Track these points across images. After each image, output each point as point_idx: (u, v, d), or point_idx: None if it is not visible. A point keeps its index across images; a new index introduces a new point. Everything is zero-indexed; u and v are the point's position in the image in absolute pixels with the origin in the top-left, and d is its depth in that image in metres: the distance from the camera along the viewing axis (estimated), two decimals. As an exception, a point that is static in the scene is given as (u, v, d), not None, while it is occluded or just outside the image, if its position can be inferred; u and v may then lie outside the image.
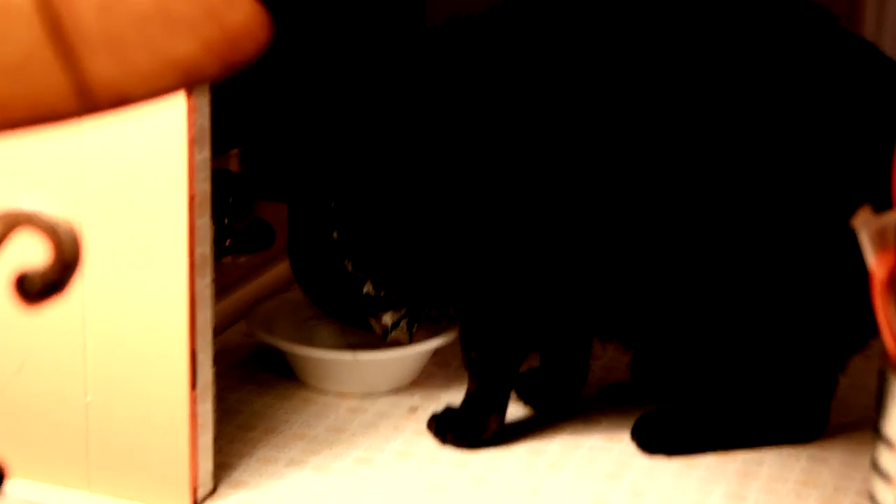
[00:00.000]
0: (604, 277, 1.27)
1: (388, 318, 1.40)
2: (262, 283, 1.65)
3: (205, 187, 1.20)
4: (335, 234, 1.34)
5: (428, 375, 1.47)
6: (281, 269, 1.69)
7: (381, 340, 1.42)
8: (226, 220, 1.70)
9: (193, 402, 1.21)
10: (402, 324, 1.40)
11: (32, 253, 0.82)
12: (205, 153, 1.19)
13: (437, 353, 1.48)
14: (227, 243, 1.70)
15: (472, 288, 1.30)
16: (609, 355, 1.47)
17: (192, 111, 1.16)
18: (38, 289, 0.83)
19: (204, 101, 1.18)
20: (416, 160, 1.29)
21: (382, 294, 1.36)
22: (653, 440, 1.33)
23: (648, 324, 1.29)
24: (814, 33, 1.24)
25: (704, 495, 1.27)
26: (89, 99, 0.74)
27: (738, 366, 1.29)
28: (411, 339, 1.41)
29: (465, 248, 1.29)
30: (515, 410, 1.38)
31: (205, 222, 1.21)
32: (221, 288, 1.52)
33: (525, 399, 1.39)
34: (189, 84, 0.79)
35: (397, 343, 1.41)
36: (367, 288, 1.36)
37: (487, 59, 1.27)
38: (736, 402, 1.32)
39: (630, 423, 1.35)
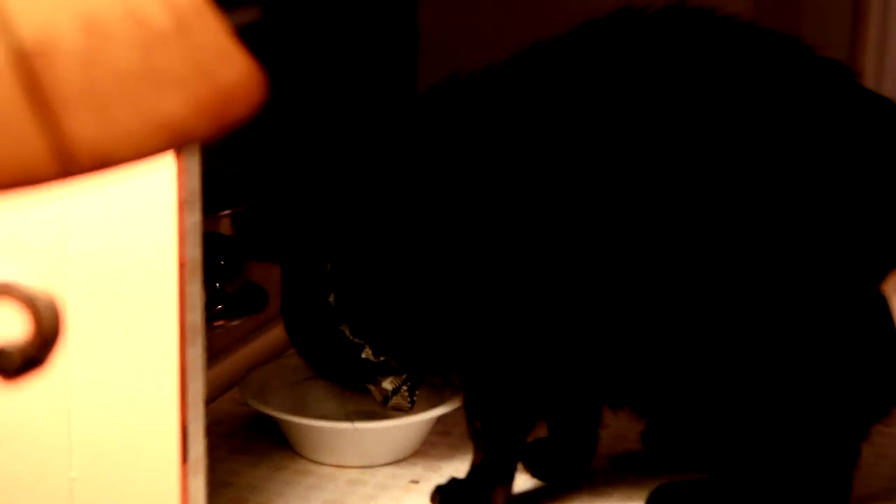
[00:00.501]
0: (614, 343, 1.22)
1: (388, 384, 1.35)
2: (254, 349, 1.60)
3: (195, 252, 1.14)
4: (331, 299, 1.29)
5: (430, 445, 1.42)
6: (274, 334, 1.64)
7: (381, 406, 1.36)
8: (217, 285, 1.66)
9: (185, 476, 1.15)
10: (403, 389, 1.34)
11: (10, 326, 0.77)
12: (195, 217, 1.14)
13: (439, 421, 1.42)
14: (219, 308, 1.66)
15: (476, 354, 1.25)
16: (619, 423, 1.42)
17: (181, 173, 1.11)
18: (16, 365, 0.78)
19: (194, 163, 1.13)
20: (415, 224, 1.25)
21: (382, 359, 1.32)
22: (668, 514, 1.27)
23: (662, 391, 1.24)
24: (810, 88, 1.20)
25: (723, 572, 1.21)
26: (70, 162, 0.69)
27: (756, 435, 1.24)
28: (412, 405, 1.36)
29: (467, 314, 1.24)
30: (523, 482, 1.32)
31: (195, 289, 1.15)
32: (213, 354, 1.46)
33: (532, 470, 1.34)
34: (178, 145, 0.74)
35: (398, 409, 1.36)
36: (366, 353, 1.31)
37: (484, 124, 1.24)
38: (754, 473, 1.27)
39: (643, 495, 1.29)
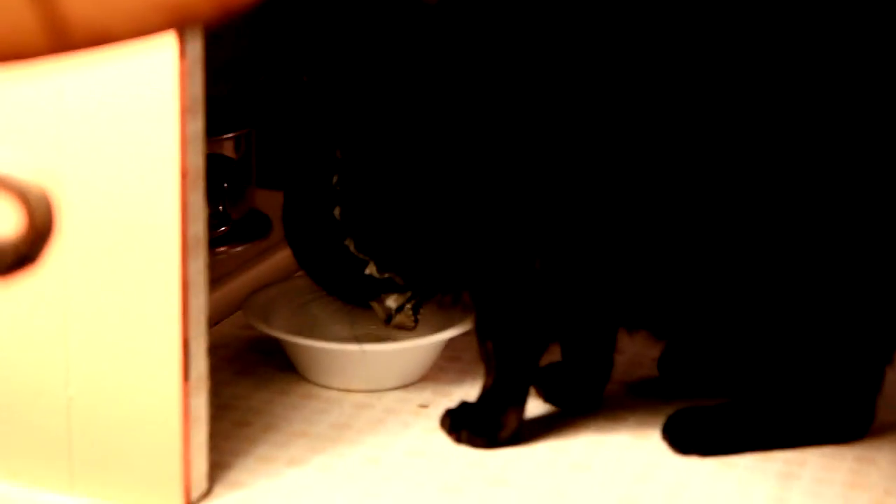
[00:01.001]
0: (634, 257, 1.18)
1: (391, 302, 1.30)
2: (258, 274, 1.56)
3: (198, 162, 1.10)
4: (336, 213, 1.25)
5: (439, 370, 1.37)
6: (279, 259, 1.60)
7: (384, 324, 1.32)
8: (221, 207, 1.62)
9: (186, 395, 1.12)
10: (407, 307, 1.30)
11: (1, 221, 0.73)
12: (198, 124, 1.10)
13: (448, 346, 1.38)
14: (223, 230, 1.62)
15: (488, 269, 1.21)
16: (634, 349, 1.38)
17: (184, 76, 1.07)
18: (8, 261, 0.74)
19: (197, 68, 1.08)
20: (424, 133, 1.21)
21: (386, 276, 1.27)
22: (686, 439, 1.23)
23: (681, 312, 1.20)
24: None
25: (744, 498, 1.17)
26: (63, 35, 0.65)
27: (777, 359, 1.21)
28: (416, 324, 1.32)
29: (479, 226, 1.20)
30: (535, 407, 1.28)
31: (198, 199, 1.11)
32: (216, 278, 1.42)
33: (545, 395, 1.30)
34: (180, 23, 0.69)
35: (402, 328, 1.32)
36: (370, 269, 1.27)
37: (499, 31, 1.19)
38: (775, 398, 1.23)
39: (659, 421, 1.25)
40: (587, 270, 1.19)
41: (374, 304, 1.31)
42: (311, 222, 1.29)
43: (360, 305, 1.32)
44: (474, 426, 1.24)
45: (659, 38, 1.16)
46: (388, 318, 1.31)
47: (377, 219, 1.24)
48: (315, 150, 1.27)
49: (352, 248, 1.26)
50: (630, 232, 1.17)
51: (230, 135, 1.61)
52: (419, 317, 1.31)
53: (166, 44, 1.04)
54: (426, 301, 1.30)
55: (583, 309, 1.23)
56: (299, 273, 1.55)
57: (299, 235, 1.32)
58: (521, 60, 1.18)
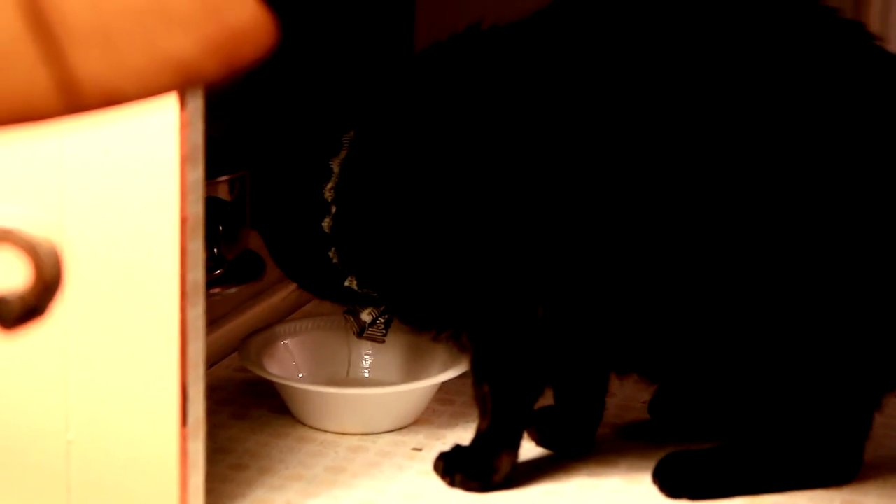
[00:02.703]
0: (628, 303, 1.19)
1: (366, 316, 1.32)
2: (252, 316, 1.58)
3: (197, 209, 1.12)
4: (326, 225, 1.26)
5: (432, 413, 1.39)
6: (273, 302, 1.62)
7: (356, 336, 1.34)
8: (216, 250, 1.63)
9: (184, 439, 1.13)
10: (379, 322, 1.32)
11: (10, 274, 0.74)
12: (198, 173, 1.11)
13: (441, 389, 1.39)
14: (218, 273, 1.63)
15: (490, 313, 1.22)
16: (625, 392, 1.39)
17: (184, 127, 1.08)
18: (16, 313, 0.75)
19: (197, 117, 1.10)
20: (421, 177, 1.22)
21: (364, 291, 1.28)
22: (676, 483, 1.24)
23: (672, 355, 1.21)
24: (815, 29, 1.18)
25: (734, 542, 1.18)
26: (75, 97, 0.67)
27: (767, 403, 1.22)
28: (385, 336, 1.34)
29: (484, 270, 1.21)
30: (527, 450, 1.29)
31: (197, 247, 1.12)
32: (210, 320, 1.44)
33: (539, 439, 1.31)
34: (186, 84, 0.71)
35: (372, 340, 1.35)
36: (349, 282, 1.28)
37: (492, 71, 1.21)
38: (765, 443, 1.24)
39: (650, 464, 1.26)
40: (585, 316, 1.21)
41: (349, 317, 1.33)
42: (293, 224, 1.29)
43: (338, 303, 1.34)
44: (468, 470, 1.25)
45: (648, 93, 1.18)
46: (361, 331, 1.33)
47: (376, 256, 1.26)
48: (306, 156, 1.27)
49: (335, 259, 1.27)
50: (622, 280, 1.19)
51: (225, 178, 1.63)
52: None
53: (168, 101, 1.05)
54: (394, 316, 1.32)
55: (578, 353, 1.24)
56: (293, 315, 1.57)
57: (277, 234, 1.32)
58: (517, 108, 1.20)
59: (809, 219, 1.16)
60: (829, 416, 1.23)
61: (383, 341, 1.35)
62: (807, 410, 1.22)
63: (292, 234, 1.30)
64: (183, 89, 0.72)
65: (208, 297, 1.51)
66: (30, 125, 0.67)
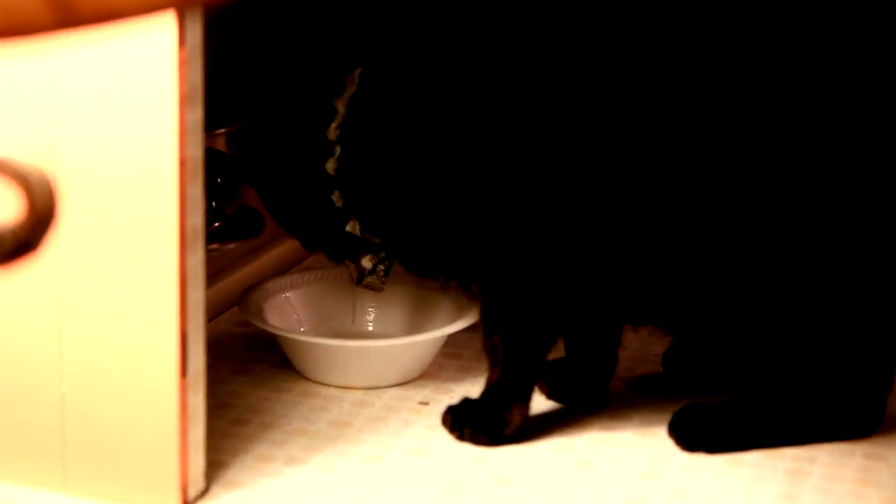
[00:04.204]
0: (644, 250, 1.16)
1: (367, 262, 1.28)
2: (252, 270, 1.54)
3: (197, 152, 1.07)
4: (330, 167, 1.21)
5: (439, 367, 1.35)
6: (273, 257, 1.58)
7: (355, 283, 1.30)
8: (213, 203, 1.59)
9: (184, 391, 1.09)
10: (379, 269, 1.28)
11: (1, 206, 0.70)
12: (197, 114, 1.07)
13: (447, 343, 1.36)
14: (217, 226, 1.59)
15: (503, 260, 1.18)
16: (638, 345, 1.36)
17: (183, 65, 1.04)
18: (8, 247, 0.71)
19: (196, 56, 1.06)
20: (438, 102, 1.18)
21: (365, 236, 1.25)
22: (693, 436, 1.21)
23: (688, 305, 1.17)
24: None
25: (753, 496, 1.14)
26: (68, 9, 0.62)
27: (787, 354, 1.18)
28: (384, 285, 1.31)
29: (498, 216, 1.17)
30: (538, 404, 1.26)
31: (196, 191, 1.08)
32: (209, 274, 1.40)
33: (549, 392, 1.27)
34: (182, 3, 0.67)
35: (370, 288, 1.31)
36: (351, 227, 1.23)
37: (513, 24, 1.17)
38: (784, 394, 1.21)
39: (665, 418, 1.23)
40: (600, 263, 1.17)
41: (349, 263, 1.29)
42: (293, 168, 1.25)
43: (333, 259, 1.30)
44: (477, 423, 1.21)
45: (665, 33, 1.14)
46: (361, 277, 1.29)
47: (384, 197, 1.21)
48: (307, 98, 1.23)
49: (338, 202, 1.23)
50: (641, 224, 1.15)
51: (223, 130, 1.59)
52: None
53: (166, 30, 1.01)
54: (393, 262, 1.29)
55: (592, 301, 1.20)
56: (295, 268, 1.53)
57: (272, 180, 1.28)
58: (532, 51, 1.16)
59: (827, 180, 1.13)
60: (849, 367, 1.20)
61: (382, 289, 1.32)
62: (826, 361, 1.19)
63: (292, 178, 1.25)
64: (178, 7, 0.67)
65: (207, 252, 1.48)
66: (21, 39, 0.63)
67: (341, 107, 1.21)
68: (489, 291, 1.20)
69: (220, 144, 1.59)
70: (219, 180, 1.59)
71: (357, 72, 1.20)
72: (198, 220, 1.08)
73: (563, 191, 1.15)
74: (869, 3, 1.14)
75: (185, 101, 1.04)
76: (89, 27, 0.63)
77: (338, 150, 1.21)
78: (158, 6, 0.65)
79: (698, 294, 1.17)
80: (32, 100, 1.05)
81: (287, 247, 1.61)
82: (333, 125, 1.21)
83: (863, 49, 1.13)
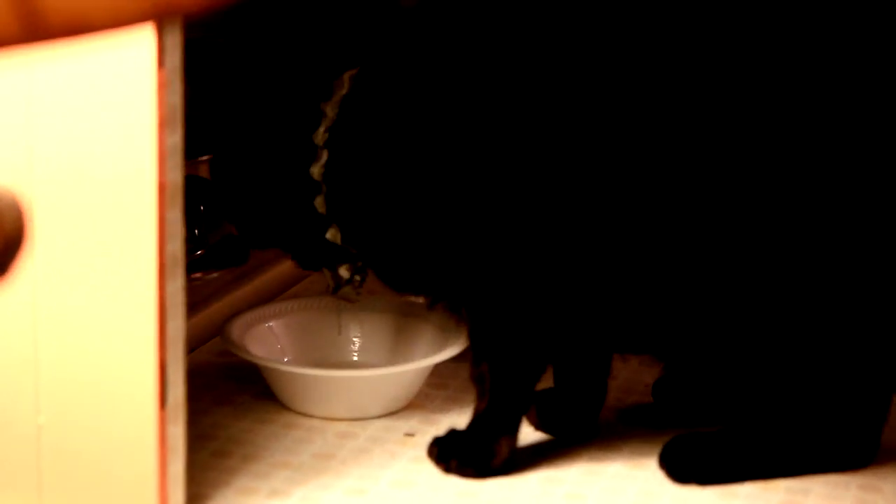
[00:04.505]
0: (636, 276, 1.14)
1: (344, 272, 1.25)
2: (235, 300, 1.51)
3: (176, 177, 1.05)
4: (316, 171, 1.18)
5: (424, 398, 1.32)
6: (257, 286, 1.55)
7: (331, 293, 1.27)
8: (196, 231, 1.57)
9: (163, 422, 1.06)
10: (355, 279, 1.25)
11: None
12: (176, 138, 1.04)
13: (433, 373, 1.33)
14: (199, 254, 1.57)
15: (492, 282, 1.16)
16: (627, 375, 1.33)
17: (162, 87, 1.02)
18: (-24, 271, 0.69)
19: (176, 78, 1.03)
20: (434, 109, 1.15)
21: (345, 245, 1.22)
22: (684, 467, 1.18)
23: (681, 333, 1.15)
24: None
25: (746, 529, 1.12)
26: (37, 21, 0.60)
27: (781, 384, 1.16)
28: (358, 297, 1.28)
29: (485, 237, 1.15)
30: (526, 435, 1.23)
31: (176, 216, 1.06)
32: (191, 304, 1.37)
33: (538, 423, 1.25)
34: (160, 13, 0.65)
35: (345, 299, 1.28)
36: (332, 235, 1.20)
37: (504, 35, 1.14)
38: (778, 425, 1.18)
39: (656, 449, 1.20)
40: (590, 291, 1.15)
41: (326, 271, 1.26)
42: (275, 174, 1.22)
43: (308, 268, 1.27)
44: (464, 455, 1.18)
45: (657, 47, 1.12)
46: (337, 287, 1.26)
47: (371, 204, 1.19)
48: (292, 100, 1.20)
49: (321, 208, 1.20)
50: (632, 253, 1.13)
51: (206, 157, 1.57)
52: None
53: (143, 48, 0.99)
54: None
55: (582, 330, 1.18)
56: (278, 298, 1.50)
57: (253, 182, 1.24)
58: (514, 69, 1.14)
59: (822, 192, 1.11)
60: (844, 398, 1.18)
61: (356, 300, 1.28)
62: (821, 391, 1.17)
63: (274, 183, 1.22)
64: (159, 18, 0.65)
65: (189, 281, 1.45)
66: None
67: (330, 110, 1.18)
68: (476, 315, 1.18)
69: (203, 171, 1.57)
70: (201, 207, 1.56)
71: (347, 75, 1.18)
72: (177, 246, 1.06)
73: (553, 213, 1.13)
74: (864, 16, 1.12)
75: (164, 123, 1.02)
76: (61, 40, 0.61)
77: (324, 154, 1.18)
78: (133, 18, 0.63)
79: (690, 324, 1.14)
80: (7, 119, 1.02)
81: (271, 276, 1.59)
82: (321, 129, 1.18)
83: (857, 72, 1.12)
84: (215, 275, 1.59)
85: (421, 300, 1.45)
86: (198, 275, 1.57)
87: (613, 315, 1.16)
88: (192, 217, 1.49)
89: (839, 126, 1.10)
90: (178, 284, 1.06)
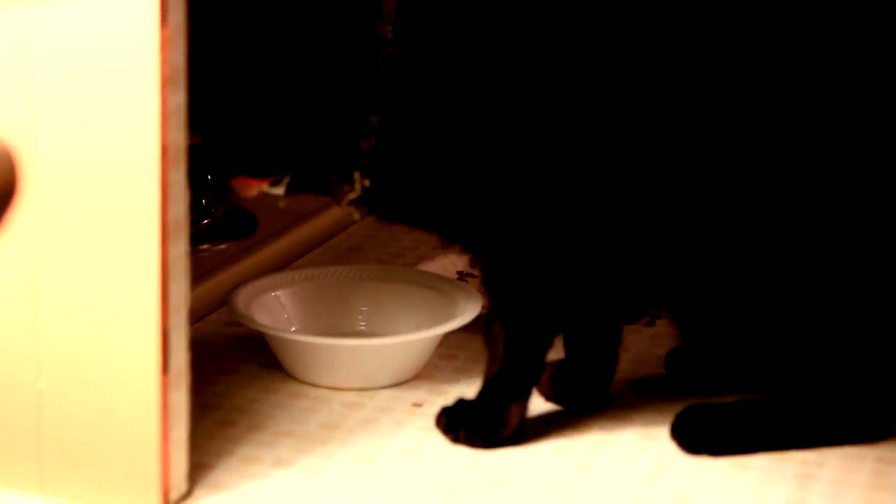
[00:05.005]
0: (650, 240, 1.12)
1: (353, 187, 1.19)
2: (242, 270, 1.49)
3: (179, 138, 1.03)
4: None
5: (433, 368, 1.30)
6: (264, 256, 1.54)
7: (336, 202, 1.20)
8: (203, 200, 1.55)
9: (165, 389, 1.04)
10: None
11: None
12: (179, 98, 1.02)
13: (442, 343, 1.31)
14: (205, 223, 1.55)
15: (509, 230, 1.13)
16: (639, 348, 1.31)
17: (164, 45, 0.99)
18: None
19: (179, 36, 1.01)
20: (467, 95, 1.12)
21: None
22: (697, 438, 1.16)
23: (696, 302, 1.13)
24: None
25: (760, 501, 1.10)
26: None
27: (796, 354, 1.14)
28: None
29: (509, 187, 1.12)
30: (536, 406, 1.21)
31: (179, 179, 1.04)
32: (198, 274, 1.35)
33: (549, 395, 1.22)
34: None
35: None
36: (367, 145, 1.17)
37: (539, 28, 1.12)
38: (793, 397, 1.16)
39: (667, 420, 1.18)
40: (604, 251, 1.13)
41: (334, 179, 1.19)
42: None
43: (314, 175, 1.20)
44: (473, 425, 1.16)
45: (665, 37, 1.10)
46: (342, 197, 1.19)
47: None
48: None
49: (374, 121, 1.15)
50: (647, 220, 1.11)
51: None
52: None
53: (146, 5, 0.97)
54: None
55: (596, 294, 1.16)
56: (286, 267, 1.49)
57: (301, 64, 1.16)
58: (537, 53, 1.12)
59: (839, 177, 1.10)
60: (861, 368, 1.15)
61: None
62: (837, 362, 1.15)
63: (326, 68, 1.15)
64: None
65: (197, 252, 1.43)
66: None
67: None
68: (491, 263, 1.15)
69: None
70: (209, 177, 1.55)
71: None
72: (180, 209, 1.04)
73: (574, 186, 1.11)
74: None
75: (166, 83, 1.00)
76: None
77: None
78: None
79: (705, 293, 1.13)
80: (8, 69, 1.00)
81: (279, 246, 1.58)
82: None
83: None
84: (223, 246, 1.57)
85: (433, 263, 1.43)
86: (206, 246, 1.56)
87: (630, 276, 1.14)
88: (199, 185, 1.47)
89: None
90: (180, 249, 1.04)
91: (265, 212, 1.61)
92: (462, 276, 1.46)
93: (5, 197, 0.67)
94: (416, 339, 1.27)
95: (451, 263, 1.48)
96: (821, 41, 1.09)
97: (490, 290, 1.16)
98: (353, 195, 1.18)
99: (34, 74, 1.00)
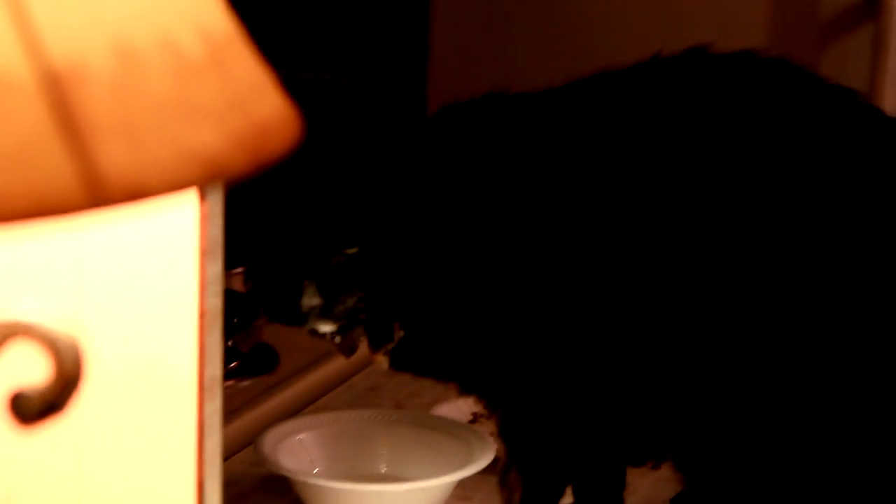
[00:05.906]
0: (656, 386, 1.18)
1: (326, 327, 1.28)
2: (267, 409, 1.55)
3: (216, 302, 1.10)
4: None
5: (450, 510, 1.37)
6: (288, 395, 1.60)
7: (372, 350, 1.29)
8: (230, 342, 1.62)
9: (200, 539, 1.11)
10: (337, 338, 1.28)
11: (29, 369, 0.73)
12: (217, 266, 1.10)
13: (459, 486, 1.37)
14: (233, 366, 1.62)
15: (526, 387, 1.20)
16: (646, 491, 1.37)
17: (204, 220, 1.07)
18: (36, 409, 0.74)
19: (217, 211, 1.09)
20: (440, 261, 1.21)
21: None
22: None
23: (702, 444, 1.19)
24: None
25: None
26: (100, 191, 0.65)
27: (805, 497, 1.19)
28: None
29: (511, 339, 1.20)
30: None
31: (215, 340, 1.11)
32: (225, 413, 1.42)
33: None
34: (211, 179, 0.70)
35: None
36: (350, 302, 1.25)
37: (517, 150, 1.21)
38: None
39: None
40: (608, 401, 1.19)
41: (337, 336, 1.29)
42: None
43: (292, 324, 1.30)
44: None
45: (659, 173, 1.17)
46: (351, 349, 1.29)
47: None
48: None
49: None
50: (652, 362, 1.17)
51: (240, 269, 1.62)
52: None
53: (187, 216, 1.05)
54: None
55: (603, 440, 1.22)
56: (308, 409, 1.55)
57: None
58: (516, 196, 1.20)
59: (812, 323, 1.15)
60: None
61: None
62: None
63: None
64: (207, 183, 0.71)
65: (223, 390, 1.49)
66: (53, 219, 0.66)
67: None
68: (508, 417, 1.23)
69: (237, 283, 1.62)
70: (235, 320, 1.62)
71: None
72: (216, 368, 1.11)
73: (569, 318, 1.18)
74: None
75: (205, 255, 1.08)
76: (121, 205, 0.66)
77: None
78: (188, 183, 0.68)
79: (704, 440, 1.18)
80: (60, 267, 1.08)
81: (301, 386, 1.63)
82: None
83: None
84: (247, 383, 1.64)
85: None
86: (230, 382, 1.62)
87: (633, 422, 1.20)
88: (226, 330, 1.54)
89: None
90: (215, 404, 1.11)
91: (286, 348, 1.67)
92: (476, 417, 1.52)
93: (73, 384, 0.74)
94: (434, 484, 1.33)
95: (465, 405, 1.54)
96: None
97: (507, 440, 1.23)
98: (390, 345, 1.26)
99: (84, 260, 1.08)
